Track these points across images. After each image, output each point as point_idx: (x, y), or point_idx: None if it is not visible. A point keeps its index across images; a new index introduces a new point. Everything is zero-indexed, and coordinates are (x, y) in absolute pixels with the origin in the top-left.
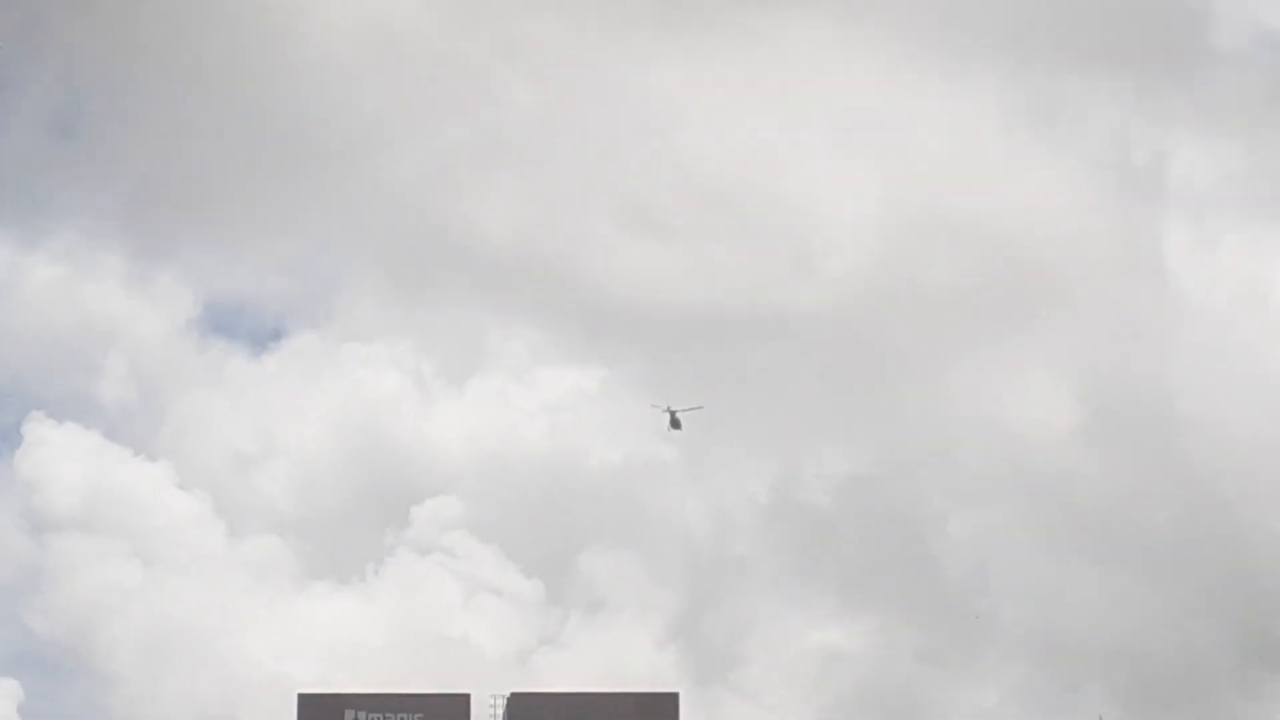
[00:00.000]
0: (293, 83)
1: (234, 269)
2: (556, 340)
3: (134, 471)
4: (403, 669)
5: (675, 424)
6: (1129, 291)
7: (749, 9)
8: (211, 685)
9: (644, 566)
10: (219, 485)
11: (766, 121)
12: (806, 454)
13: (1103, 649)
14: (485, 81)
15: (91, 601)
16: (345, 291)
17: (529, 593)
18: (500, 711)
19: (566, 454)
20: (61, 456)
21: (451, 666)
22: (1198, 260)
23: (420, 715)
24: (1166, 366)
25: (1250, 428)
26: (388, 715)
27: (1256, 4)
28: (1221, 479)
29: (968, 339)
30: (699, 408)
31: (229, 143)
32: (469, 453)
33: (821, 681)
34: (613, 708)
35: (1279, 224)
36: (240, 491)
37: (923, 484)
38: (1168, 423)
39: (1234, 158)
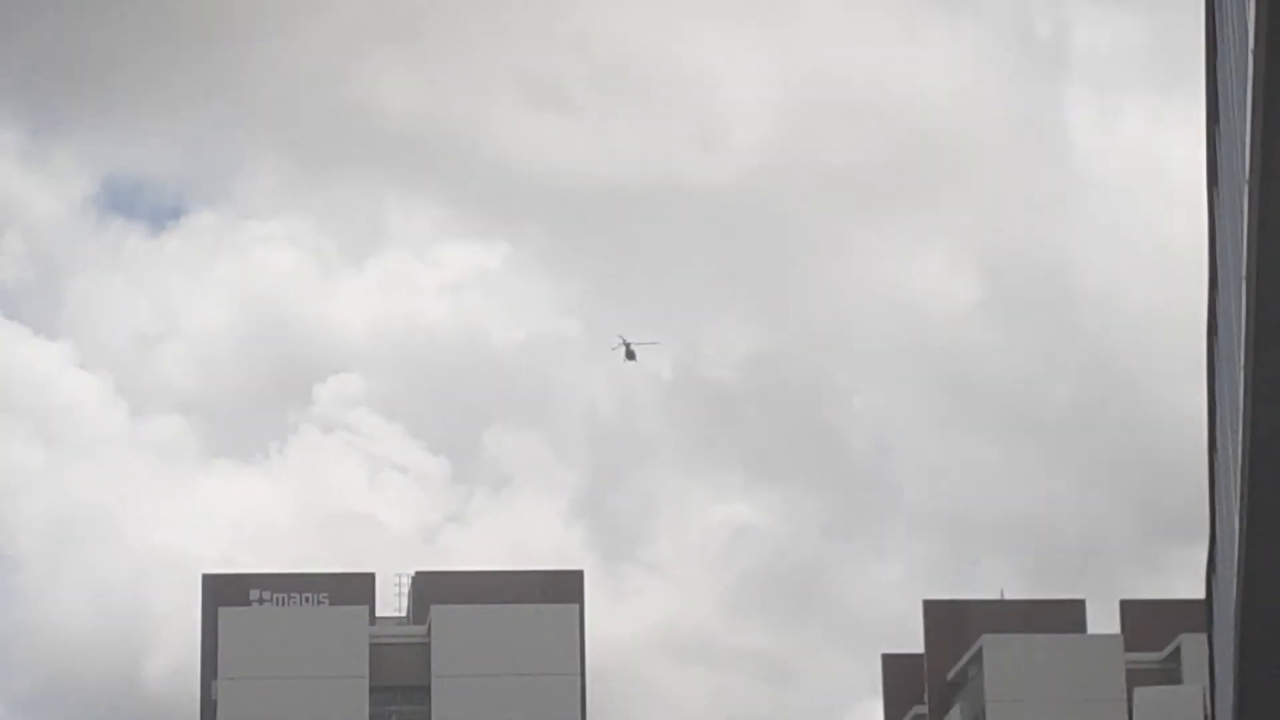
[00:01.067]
0: None
1: (132, 146)
2: (458, 216)
3: (33, 350)
4: (308, 547)
5: (630, 355)
6: (1029, 164)
7: None
8: (115, 567)
9: (549, 444)
10: (120, 365)
11: None
12: (709, 329)
13: (1005, 522)
14: None
15: None
16: (244, 169)
17: (434, 470)
18: (405, 591)
19: (469, 331)
20: None
21: (357, 544)
22: (1099, 133)
23: (325, 595)
24: (1067, 240)
25: (1150, 301)
26: (292, 595)
27: None
28: (1122, 352)
29: (868, 213)
30: (655, 343)
31: (126, 17)
32: (371, 330)
33: (728, 556)
34: (518, 586)
35: (1180, 96)
36: (141, 371)
37: (825, 359)
38: (1068, 296)
39: (1136, 29)
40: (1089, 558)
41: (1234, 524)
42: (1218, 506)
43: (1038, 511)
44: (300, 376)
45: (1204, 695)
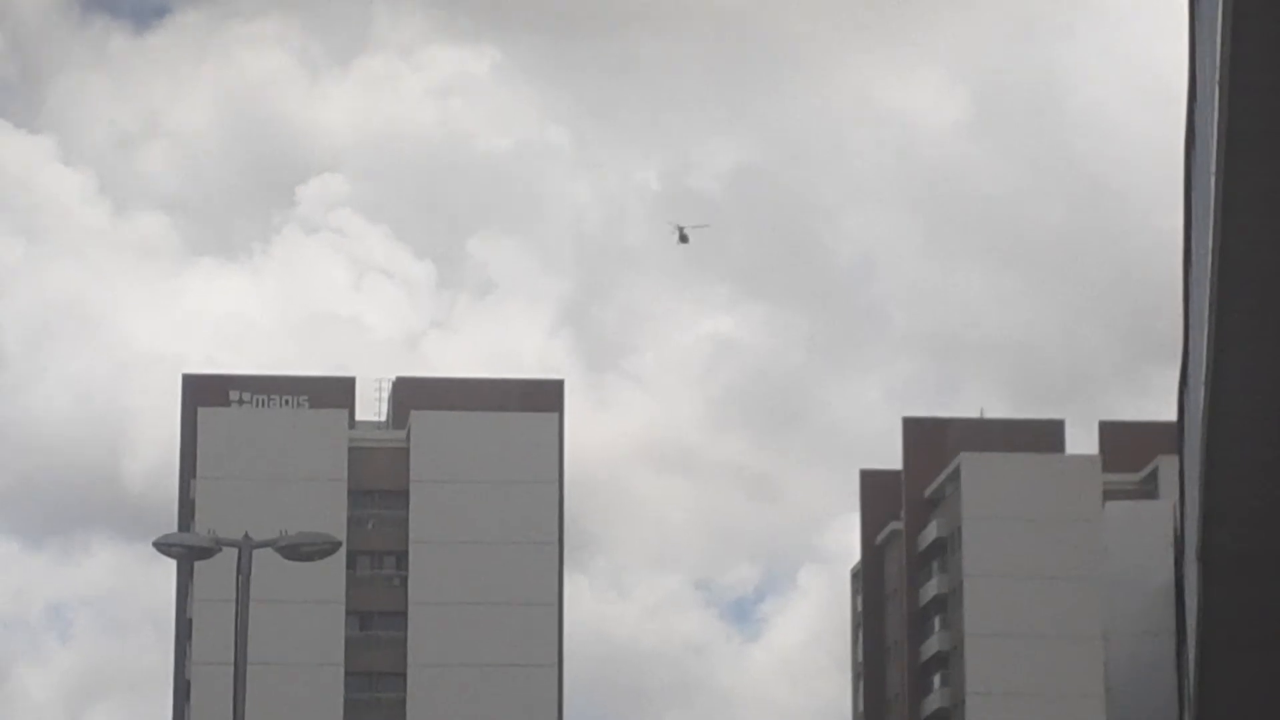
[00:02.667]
0: None
1: None
2: (447, 20)
3: (15, 144)
4: (289, 348)
5: (684, 239)
6: None
7: None
8: (96, 364)
9: (535, 252)
10: (103, 162)
11: None
12: (697, 142)
13: (988, 342)
14: None
15: None
16: None
17: (418, 275)
18: (385, 396)
19: (456, 136)
20: None
21: (339, 347)
22: None
23: (305, 398)
24: (1057, 61)
25: (1140, 125)
26: (272, 397)
27: None
28: (1111, 176)
29: (863, 31)
30: (706, 225)
31: None
32: (356, 133)
33: (711, 370)
34: (499, 394)
35: None
36: (124, 169)
37: (813, 174)
38: (1058, 119)
39: None
40: (1071, 379)
41: (1204, 337)
42: (1191, 321)
43: (1021, 331)
44: (284, 177)
45: (1174, 510)
